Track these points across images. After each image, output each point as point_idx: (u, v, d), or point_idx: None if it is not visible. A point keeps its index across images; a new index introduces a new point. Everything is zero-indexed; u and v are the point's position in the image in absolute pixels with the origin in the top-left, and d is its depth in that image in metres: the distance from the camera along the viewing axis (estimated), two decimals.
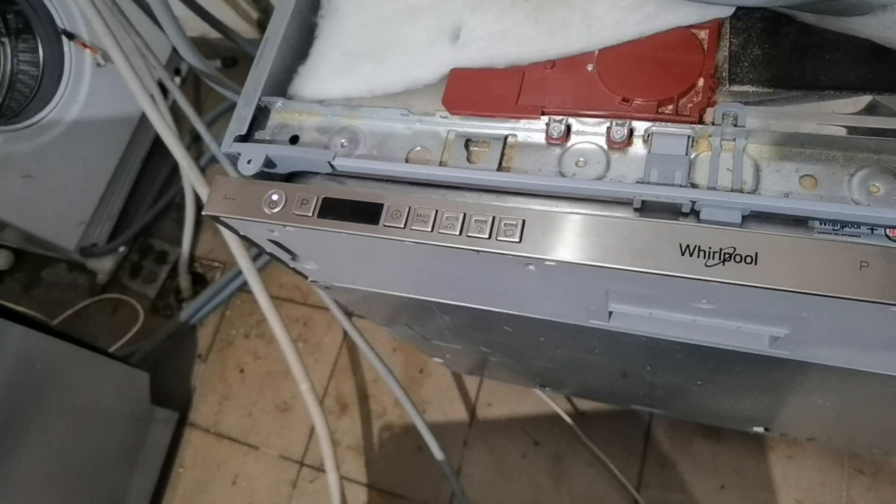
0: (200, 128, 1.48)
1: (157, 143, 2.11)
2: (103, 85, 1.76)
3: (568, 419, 1.52)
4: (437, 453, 1.43)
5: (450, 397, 1.65)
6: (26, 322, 1.31)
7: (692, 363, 0.72)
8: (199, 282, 2.00)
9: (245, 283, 1.90)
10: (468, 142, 0.56)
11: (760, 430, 1.18)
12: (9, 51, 1.70)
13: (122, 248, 2.05)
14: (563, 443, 1.53)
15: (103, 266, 2.02)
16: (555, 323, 0.68)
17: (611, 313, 0.62)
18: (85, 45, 1.64)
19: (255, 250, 1.86)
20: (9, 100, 1.71)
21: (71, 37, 1.62)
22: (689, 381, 0.82)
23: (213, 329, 1.91)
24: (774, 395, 0.80)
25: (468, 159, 0.55)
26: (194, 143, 2.13)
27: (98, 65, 1.70)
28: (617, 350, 0.74)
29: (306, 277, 0.77)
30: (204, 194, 1.42)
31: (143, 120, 2.01)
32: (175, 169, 2.12)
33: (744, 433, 1.44)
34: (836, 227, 0.46)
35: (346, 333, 1.79)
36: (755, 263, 0.43)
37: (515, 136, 0.55)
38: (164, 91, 1.72)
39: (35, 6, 1.60)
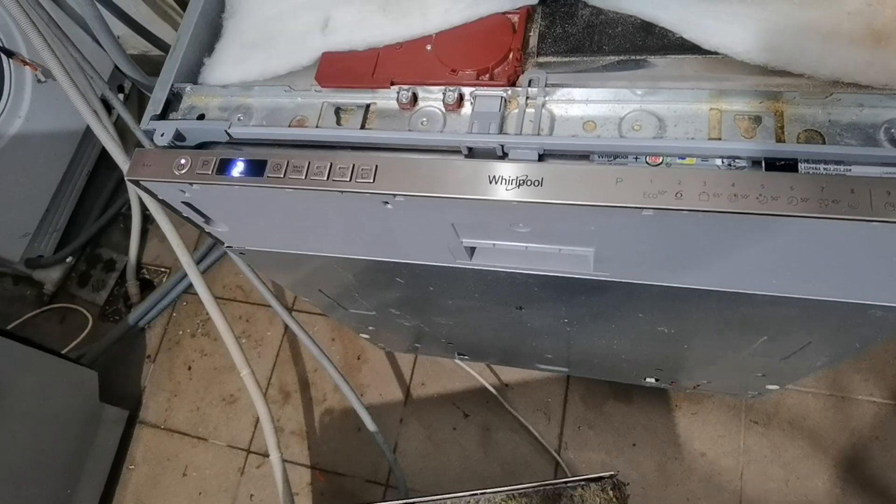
0: (141, 136, 1.57)
1: (103, 156, 2.20)
2: (45, 100, 1.84)
3: (493, 391, 1.65)
4: (374, 431, 1.54)
5: (386, 380, 1.76)
6: None
7: (548, 297, 0.86)
8: (147, 287, 2.08)
9: (190, 286, 1.99)
10: (338, 110, 0.69)
11: (652, 381, 1.32)
12: None
13: (69, 259, 2.11)
14: (490, 413, 1.66)
15: (50, 277, 2.08)
16: (432, 267, 0.81)
17: (470, 251, 0.76)
18: (25, 62, 1.73)
19: (199, 253, 1.96)
20: None
21: (10, 54, 1.70)
22: (557, 319, 0.96)
23: (161, 330, 1.99)
24: (628, 327, 0.95)
25: (338, 123, 0.69)
26: None
27: (39, 81, 1.79)
28: (490, 291, 0.87)
29: (223, 243, 0.89)
30: (149, 204, 1.51)
31: (88, 134, 2.09)
32: (121, 181, 2.21)
33: (651, 395, 1.59)
34: (610, 159, 0.60)
35: (286, 328, 1.89)
36: (541, 185, 0.57)
37: (375, 103, 0.69)
38: (109, 108, 1.82)
39: None
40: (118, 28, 1.56)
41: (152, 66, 2.30)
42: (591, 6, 0.67)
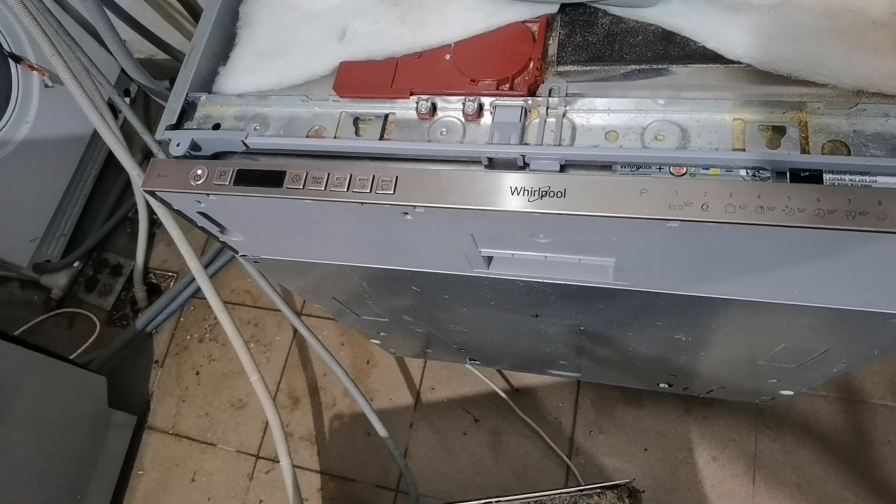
0: (151, 143, 1.57)
1: (109, 161, 2.20)
2: (52, 105, 1.84)
3: (504, 396, 1.65)
4: (385, 436, 1.53)
5: (396, 385, 1.76)
6: None
7: (566, 305, 0.85)
8: (155, 292, 2.08)
9: (198, 290, 1.99)
10: (356, 120, 0.69)
11: (665, 386, 1.32)
12: None
13: (76, 264, 2.11)
14: (500, 418, 1.65)
15: (58, 282, 2.08)
16: (448, 276, 0.81)
17: (488, 260, 0.75)
18: (32, 68, 1.73)
19: (207, 257, 1.96)
20: None
21: (18, 60, 1.70)
22: (573, 327, 0.96)
23: (168, 335, 1.99)
24: (645, 335, 0.94)
25: (356, 134, 0.68)
26: (146, 161, 2.21)
27: (46, 86, 1.79)
28: (506, 299, 0.87)
29: (237, 252, 0.88)
30: (158, 209, 1.50)
31: (95, 138, 2.09)
32: (128, 185, 2.21)
33: (663, 399, 1.59)
34: (633, 169, 0.60)
35: (295, 332, 1.89)
36: (564, 196, 0.57)
37: (394, 113, 0.68)
38: (115, 112, 1.81)
39: None
40: (125, 32, 1.55)
41: (158, 70, 2.30)
42: (612, 15, 0.67)
